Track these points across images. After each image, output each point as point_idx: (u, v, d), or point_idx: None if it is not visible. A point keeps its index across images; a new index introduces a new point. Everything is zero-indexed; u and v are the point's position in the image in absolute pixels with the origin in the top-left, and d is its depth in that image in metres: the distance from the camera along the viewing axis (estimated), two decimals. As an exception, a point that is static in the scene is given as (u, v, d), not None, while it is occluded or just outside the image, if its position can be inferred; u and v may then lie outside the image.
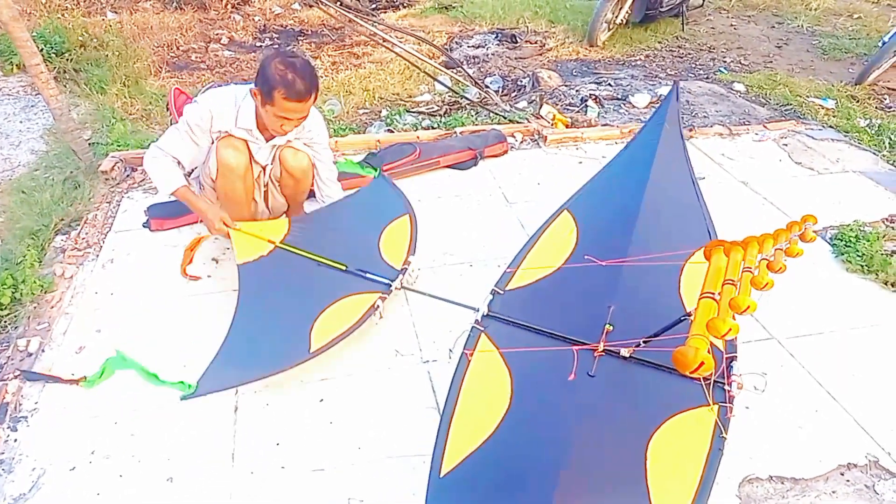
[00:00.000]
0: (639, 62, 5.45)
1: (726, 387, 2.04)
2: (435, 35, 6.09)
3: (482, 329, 2.21)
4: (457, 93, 4.62)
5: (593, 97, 4.52)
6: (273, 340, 2.19)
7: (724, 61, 5.51)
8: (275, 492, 1.86)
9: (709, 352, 1.58)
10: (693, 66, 5.41)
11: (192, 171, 2.66)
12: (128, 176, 3.45)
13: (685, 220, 2.78)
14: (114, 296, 2.63)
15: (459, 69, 4.91)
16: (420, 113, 4.39)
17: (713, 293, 1.73)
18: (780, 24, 6.49)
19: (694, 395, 2.02)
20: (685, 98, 4.62)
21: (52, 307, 2.55)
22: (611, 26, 5.75)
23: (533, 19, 6.33)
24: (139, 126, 4.08)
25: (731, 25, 6.43)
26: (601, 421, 1.96)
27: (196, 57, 5.59)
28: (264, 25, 6.44)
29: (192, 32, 6.06)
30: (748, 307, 1.61)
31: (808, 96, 4.66)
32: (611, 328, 2.15)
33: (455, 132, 3.90)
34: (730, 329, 1.56)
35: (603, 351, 2.10)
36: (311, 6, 6.63)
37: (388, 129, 4.12)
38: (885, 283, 2.72)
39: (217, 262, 2.81)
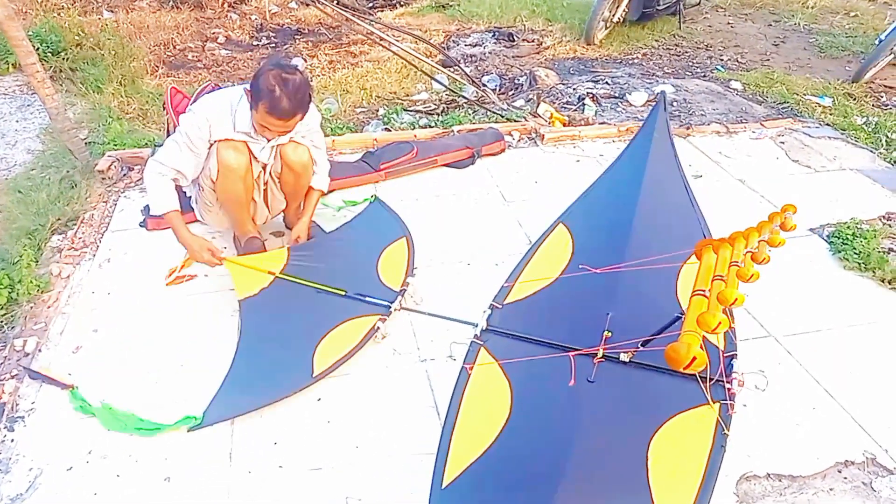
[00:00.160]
0: (636, 60, 5.45)
1: (726, 384, 2.06)
2: (432, 34, 6.09)
3: (481, 343, 2.24)
4: (454, 91, 4.61)
5: (590, 95, 4.52)
6: (276, 368, 2.22)
7: (722, 59, 5.52)
8: (273, 491, 1.86)
9: (701, 347, 1.59)
10: (690, 64, 5.41)
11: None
12: (124, 175, 3.45)
13: (680, 226, 2.81)
14: (111, 295, 2.62)
15: (457, 68, 4.90)
16: (417, 112, 4.39)
17: (704, 290, 1.74)
18: (777, 22, 6.50)
19: (694, 395, 2.02)
20: (682, 96, 4.63)
21: (49, 307, 2.54)
22: (608, 25, 5.75)
23: (530, 18, 6.33)
24: (136, 125, 4.07)
25: (728, 23, 6.43)
26: (602, 425, 1.97)
27: (193, 56, 5.58)
28: (261, 24, 6.43)
29: (189, 31, 6.05)
30: (736, 300, 1.62)
31: (805, 94, 4.66)
32: (609, 334, 2.17)
33: (452, 131, 3.90)
34: (720, 323, 1.57)
35: (602, 357, 2.12)
36: (307, 5, 6.63)
37: (386, 128, 4.12)
38: (882, 281, 2.72)
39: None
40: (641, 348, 2.07)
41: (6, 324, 2.48)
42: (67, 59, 4.84)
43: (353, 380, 2.23)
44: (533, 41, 5.77)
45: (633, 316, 2.23)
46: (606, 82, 4.89)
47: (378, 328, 2.35)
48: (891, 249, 2.93)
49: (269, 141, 2.51)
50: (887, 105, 4.58)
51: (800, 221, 3.09)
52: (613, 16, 5.72)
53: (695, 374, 1.96)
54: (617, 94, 4.66)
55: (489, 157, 3.71)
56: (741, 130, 4.10)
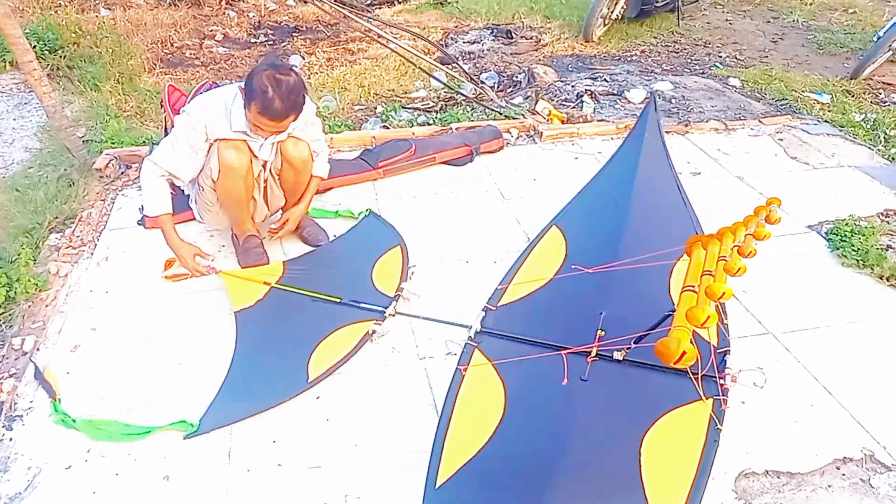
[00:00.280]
0: (634, 57, 5.45)
1: (719, 380, 2.07)
2: (430, 31, 6.08)
3: (475, 345, 2.26)
4: (452, 89, 4.60)
5: (589, 93, 4.51)
6: (272, 375, 2.24)
7: (720, 56, 5.51)
8: (271, 489, 1.86)
9: (692, 342, 1.60)
10: (689, 61, 5.41)
11: None
12: (122, 173, 3.44)
13: (672, 225, 2.84)
14: (109, 294, 2.62)
15: (455, 65, 4.90)
16: (416, 109, 4.38)
17: (693, 286, 1.75)
18: (776, 18, 6.49)
19: (687, 391, 2.04)
20: (681, 93, 4.63)
21: (47, 305, 2.54)
22: (606, 21, 5.75)
23: (528, 15, 6.32)
24: (133, 123, 4.06)
25: (727, 20, 6.43)
26: (595, 423, 1.98)
27: (190, 54, 5.57)
28: (259, 22, 6.42)
29: (187, 29, 6.03)
30: (724, 293, 1.62)
31: (803, 91, 4.66)
32: (603, 333, 2.18)
33: (451, 128, 3.89)
34: (709, 317, 1.58)
35: (596, 356, 2.13)
36: (305, 2, 6.62)
37: (384, 126, 4.11)
38: (881, 278, 2.72)
39: (213, 260, 2.80)
40: (634, 345, 2.08)
41: (4, 322, 2.47)
42: (65, 56, 4.83)
43: (351, 378, 2.23)
44: (531, 38, 5.76)
45: (626, 315, 2.24)
46: (605, 79, 4.89)
47: (374, 331, 2.36)
48: (889, 246, 2.93)
49: (265, 139, 2.51)
50: (885, 102, 4.58)
51: (798, 218, 3.12)
52: (612, 13, 5.71)
53: (686, 370, 1.97)
54: (615, 92, 4.66)
55: (487, 154, 3.70)
56: (739, 127, 4.09)
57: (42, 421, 2.07)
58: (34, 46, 3.87)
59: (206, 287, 2.64)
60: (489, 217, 3.14)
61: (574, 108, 4.37)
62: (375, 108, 4.42)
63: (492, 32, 5.91)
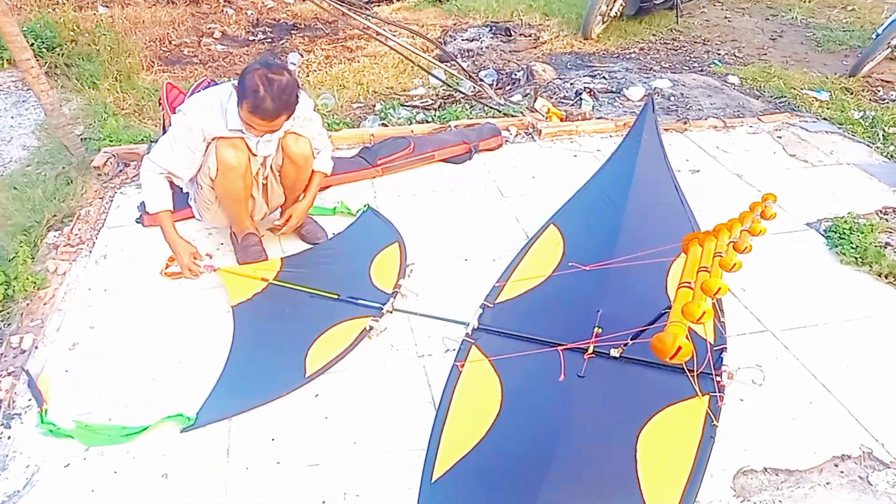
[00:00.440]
0: (633, 55, 5.44)
1: (715, 377, 2.08)
2: (429, 28, 6.07)
3: (472, 341, 2.27)
4: (451, 86, 4.60)
5: (588, 90, 4.51)
6: (269, 370, 2.24)
7: (719, 54, 5.51)
8: (270, 487, 1.86)
9: (687, 338, 1.61)
10: (687, 58, 5.41)
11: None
12: (120, 171, 3.43)
13: (669, 224, 2.85)
14: (107, 292, 2.62)
15: (453, 63, 4.89)
16: (414, 107, 4.38)
17: (689, 282, 1.76)
18: (775, 16, 6.49)
19: (684, 388, 2.05)
20: (679, 91, 4.62)
21: (45, 304, 2.53)
22: (605, 19, 5.74)
23: (527, 12, 6.31)
24: (132, 121, 4.05)
25: (726, 18, 6.43)
26: (591, 419, 1.99)
27: (188, 51, 5.56)
28: (257, 19, 6.40)
29: (185, 26, 6.02)
30: (719, 289, 1.63)
31: (802, 89, 4.66)
32: (599, 331, 2.19)
33: (449, 126, 3.89)
34: (704, 312, 1.58)
35: (593, 353, 2.13)
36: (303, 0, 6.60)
37: (383, 123, 4.11)
38: (879, 275, 2.73)
39: (211, 258, 2.80)
40: (631, 342, 2.08)
41: (2, 321, 2.47)
42: (63, 54, 4.81)
43: (350, 376, 2.23)
44: (530, 36, 5.76)
45: (623, 312, 2.25)
46: (604, 77, 4.89)
47: (372, 327, 2.37)
48: (887, 244, 2.93)
49: (259, 137, 2.50)
50: (884, 99, 4.58)
51: (796, 216, 3.12)
52: (610, 10, 5.71)
53: (682, 366, 1.98)
54: (614, 89, 4.66)
55: (486, 152, 3.70)
56: (738, 125, 4.09)
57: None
58: (32, 44, 3.87)
59: (205, 285, 2.64)
60: (488, 215, 3.14)
61: (573, 105, 4.37)
62: (374, 106, 4.41)
63: (490, 30, 5.90)
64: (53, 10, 5.70)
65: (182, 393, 2.14)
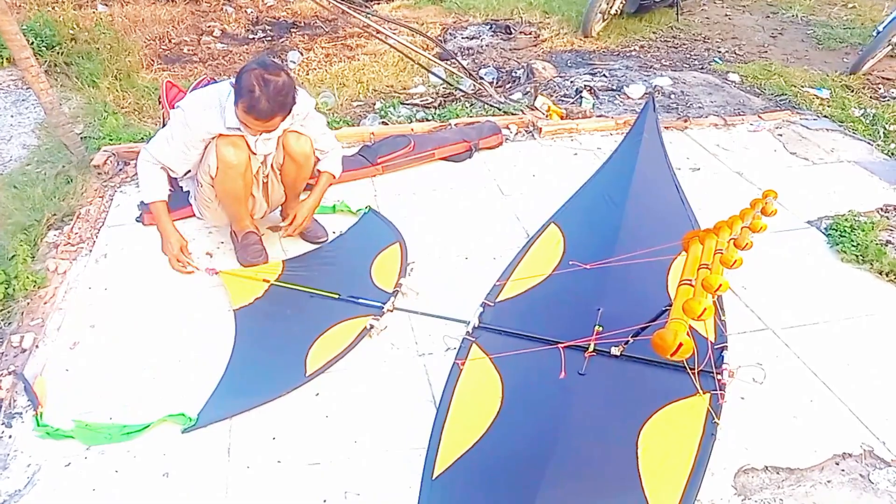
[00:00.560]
0: (633, 53, 5.43)
1: (716, 375, 2.08)
2: (429, 26, 6.06)
3: (473, 340, 2.27)
4: (451, 84, 4.59)
5: (588, 88, 4.50)
6: (270, 370, 2.25)
7: (719, 51, 5.50)
8: (271, 486, 1.86)
9: (688, 335, 1.60)
10: (688, 56, 5.40)
11: (187, 171, 2.65)
12: (120, 170, 3.43)
13: (669, 222, 2.86)
14: (107, 291, 2.61)
15: (454, 61, 4.89)
16: (414, 105, 4.37)
17: (690, 279, 1.76)
18: (775, 13, 6.48)
19: (684, 386, 2.05)
20: (680, 89, 4.62)
21: (46, 303, 2.53)
22: (605, 17, 5.73)
23: (527, 10, 6.30)
24: (131, 120, 4.05)
25: (726, 15, 6.42)
26: (592, 416, 1.99)
27: (188, 50, 5.55)
28: (257, 17, 6.39)
29: (184, 25, 6.01)
30: (720, 286, 1.63)
31: (802, 86, 4.65)
32: (600, 329, 2.19)
33: (450, 124, 3.89)
34: (705, 309, 1.58)
35: (594, 351, 2.13)
36: (303, -2, 6.60)
37: (383, 122, 4.10)
38: (880, 273, 2.72)
39: (211, 256, 2.80)
40: (632, 340, 2.08)
41: (3, 320, 2.47)
42: (62, 53, 4.81)
43: (350, 375, 2.23)
44: (530, 34, 5.75)
45: (624, 311, 2.25)
46: (604, 75, 4.88)
47: (372, 326, 2.37)
48: (888, 241, 2.93)
49: (256, 137, 2.49)
50: (885, 97, 4.58)
51: (797, 214, 3.12)
52: (611, 8, 5.70)
53: (683, 364, 1.98)
54: (614, 87, 4.65)
55: (486, 150, 3.70)
56: (739, 123, 4.09)
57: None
58: (31, 43, 3.86)
59: (205, 284, 2.63)
60: (488, 213, 3.13)
61: (573, 103, 4.36)
62: (374, 104, 4.41)
63: (490, 28, 5.89)
64: (53, 8, 5.70)
65: (182, 392, 2.14)
